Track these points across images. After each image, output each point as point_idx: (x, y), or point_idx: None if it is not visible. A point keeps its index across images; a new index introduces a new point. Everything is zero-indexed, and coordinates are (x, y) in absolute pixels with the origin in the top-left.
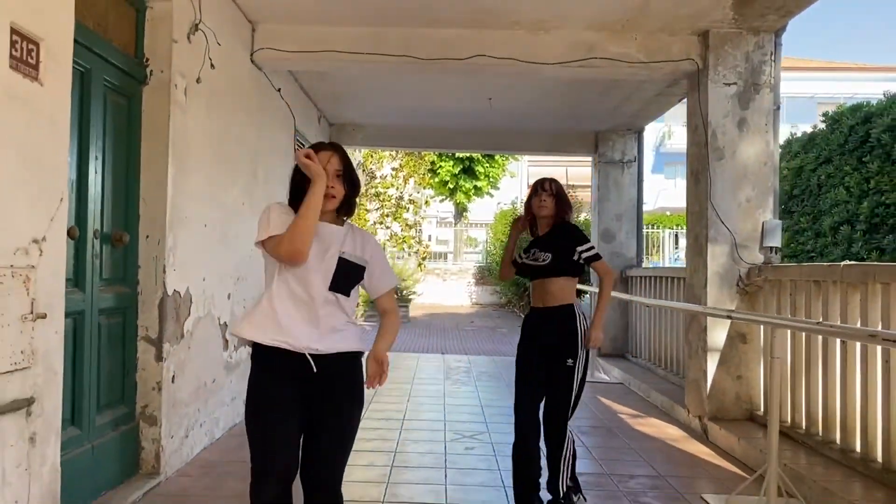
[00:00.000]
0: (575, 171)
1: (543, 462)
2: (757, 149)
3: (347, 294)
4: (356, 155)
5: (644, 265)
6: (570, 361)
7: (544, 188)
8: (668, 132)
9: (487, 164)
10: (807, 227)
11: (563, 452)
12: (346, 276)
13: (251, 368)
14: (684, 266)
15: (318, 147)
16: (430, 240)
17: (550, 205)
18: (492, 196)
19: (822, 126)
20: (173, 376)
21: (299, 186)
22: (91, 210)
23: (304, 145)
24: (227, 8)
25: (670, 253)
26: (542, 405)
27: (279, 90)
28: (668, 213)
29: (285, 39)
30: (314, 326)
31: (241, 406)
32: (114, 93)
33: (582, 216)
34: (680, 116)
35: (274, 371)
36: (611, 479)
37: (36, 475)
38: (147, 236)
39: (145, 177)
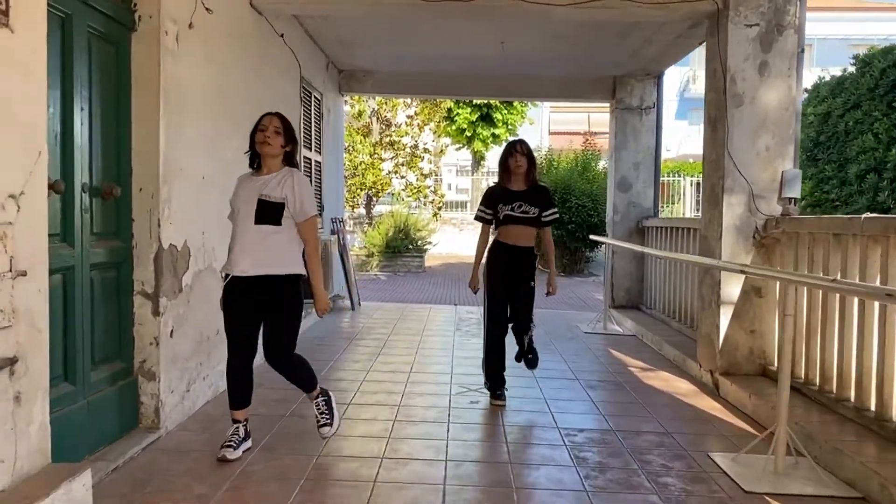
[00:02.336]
0: (597, 118)
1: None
2: (778, 94)
3: (277, 223)
4: (370, 102)
5: (663, 214)
6: (532, 283)
7: (517, 149)
8: (692, 77)
9: (506, 111)
10: (832, 174)
11: (531, 333)
12: (267, 212)
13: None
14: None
15: (263, 116)
16: (449, 189)
17: (524, 163)
18: None
19: (852, 69)
20: (172, 330)
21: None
22: (78, 163)
23: (310, 93)
24: None
25: (691, 202)
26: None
27: (282, 36)
28: (691, 160)
29: None
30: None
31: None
32: (100, 40)
33: (601, 164)
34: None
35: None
36: (615, 436)
37: (23, 434)
38: (140, 189)
39: (137, 128)
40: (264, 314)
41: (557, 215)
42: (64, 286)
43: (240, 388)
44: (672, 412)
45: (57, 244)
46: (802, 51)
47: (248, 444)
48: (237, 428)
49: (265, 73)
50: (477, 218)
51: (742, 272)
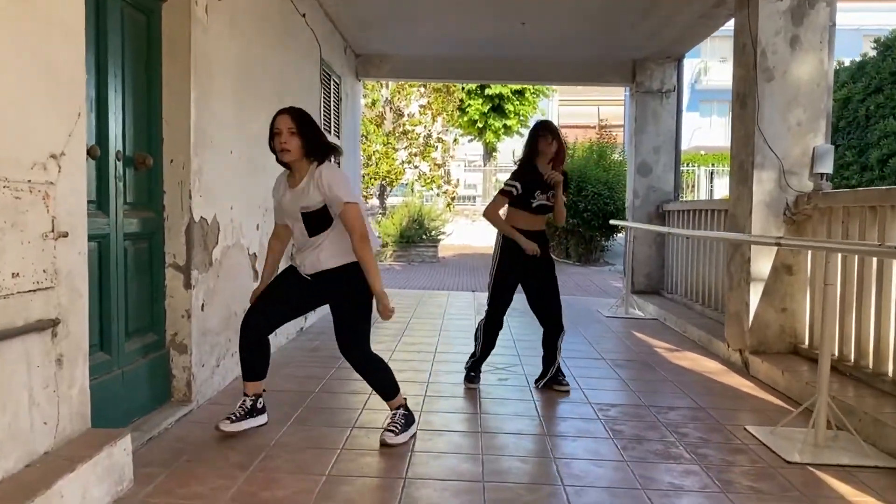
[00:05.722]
0: (607, 110)
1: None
2: (810, 68)
3: (329, 225)
4: (383, 91)
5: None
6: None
7: (550, 130)
8: (704, 68)
9: (517, 102)
10: (852, 160)
11: (560, 336)
12: (314, 222)
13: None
14: (724, 199)
15: (277, 113)
16: (457, 183)
17: (556, 146)
18: (521, 135)
19: (873, 53)
20: (203, 304)
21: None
22: (112, 130)
23: (329, 76)
24: None
25: (705, 191)
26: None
27: (304, 15)
28: (702, 152)
29: None
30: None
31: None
32: (131, 7)
33: (615, 155)
34: (717, 51)
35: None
36: (650, 411)
37: (65, 397)
38: (171, 160)
39: (167, 98)
40: (319, 301)
41: None
42: (99, 255)
43: (250, 355)
44: (703, 389)
45: (93, 212)
46: (834, 24)
47: (262, 420)
48: (243, 401)
49: (287, 51)
50: (505, 193)
51: (777, 244)
